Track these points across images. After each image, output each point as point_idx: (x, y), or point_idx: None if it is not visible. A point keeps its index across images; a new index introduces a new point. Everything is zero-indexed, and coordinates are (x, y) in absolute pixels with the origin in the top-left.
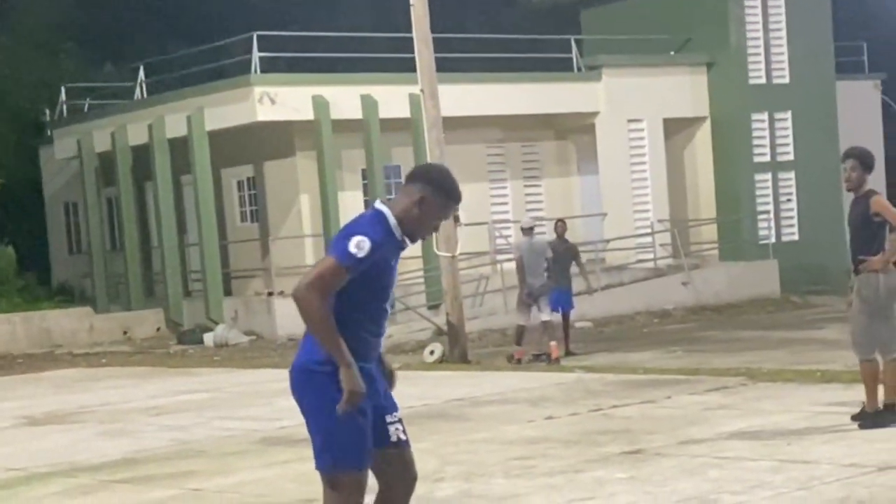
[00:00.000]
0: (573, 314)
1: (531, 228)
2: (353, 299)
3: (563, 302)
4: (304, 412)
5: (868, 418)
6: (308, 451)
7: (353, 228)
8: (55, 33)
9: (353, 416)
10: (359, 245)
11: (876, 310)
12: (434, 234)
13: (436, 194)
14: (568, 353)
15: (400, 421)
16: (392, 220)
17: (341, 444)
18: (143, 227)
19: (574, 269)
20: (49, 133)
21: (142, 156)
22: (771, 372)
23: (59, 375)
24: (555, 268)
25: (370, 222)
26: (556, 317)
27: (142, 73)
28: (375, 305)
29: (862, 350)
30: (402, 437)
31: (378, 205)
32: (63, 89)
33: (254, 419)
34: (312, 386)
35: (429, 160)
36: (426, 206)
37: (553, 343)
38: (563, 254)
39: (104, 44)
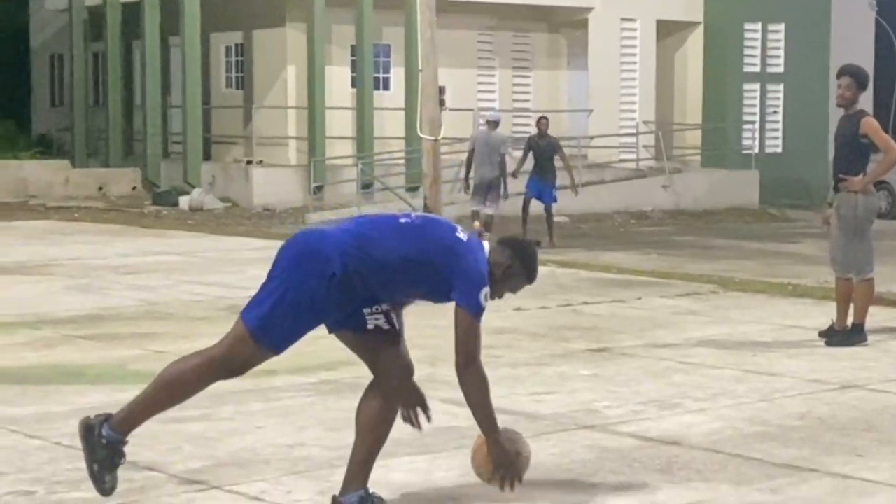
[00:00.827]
0: (555, 208)
1: (496, 122)
2: (398, 285)
3: (545, 195)
4: (274, 274)
5: (836, 336)
6: None
7: (480, 274)
8: None
9: (312, 313)
10: (487, 297)
11: (853, 229)
12: (418, 116)
13: (520, 270)
14: (552, 247)
15: (384, 313)
16: (487, 267)
17: (276, 321)
18: (128, 85)
19: (559, 164)
20: None
21: (132, 13)
22: (743, 282)
23: (31, 226)
24: (539, 162)
25: (484, 267)
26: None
27: None
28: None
29: (838, 268)
30: (384, 326)
31: (485, 245)
32: None
33: (222, 286)
34: (310, 267)
35: (420, 42)
36: (509, 274)
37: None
38: (545, 149)
39: None
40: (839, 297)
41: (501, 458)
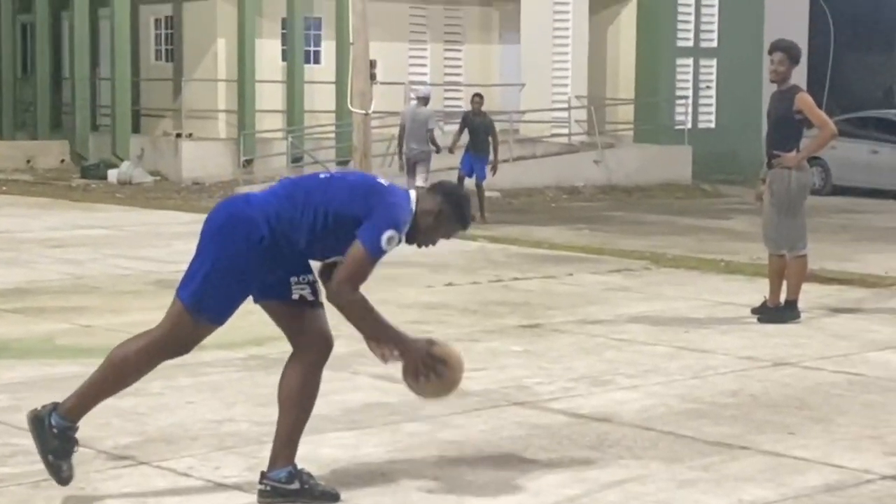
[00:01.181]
0: (485, 184)
1: (426, 98)
2: (326, 242)
3: (477, 170)
4: (202, 246)
5: (768, 313)
6: None
7: (394, 216)
8: None
9: (242, 283)
10: (390, 241)
11: (786, 206)
12: (349, 89)
13: (452, 214)
14: (483, 222)
15: (310, 283)
16: (412, 212)
17: (210, 293)
18: (56, 57)
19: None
20: None
21: None
22: (675, 258)
23: None
24: (473, 138)
25: (402, 212)
26: (469, 182)
27: None
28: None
29: (771, 244)
30: (309, 297)
31: (412, 194)
32: None
33: (151, 260)
34: (236, 237)
35: (351, 15)
36: (440, 220)
37: None
38: (479, 126)
39: None
40: (772, 273)
41: (417, 356)
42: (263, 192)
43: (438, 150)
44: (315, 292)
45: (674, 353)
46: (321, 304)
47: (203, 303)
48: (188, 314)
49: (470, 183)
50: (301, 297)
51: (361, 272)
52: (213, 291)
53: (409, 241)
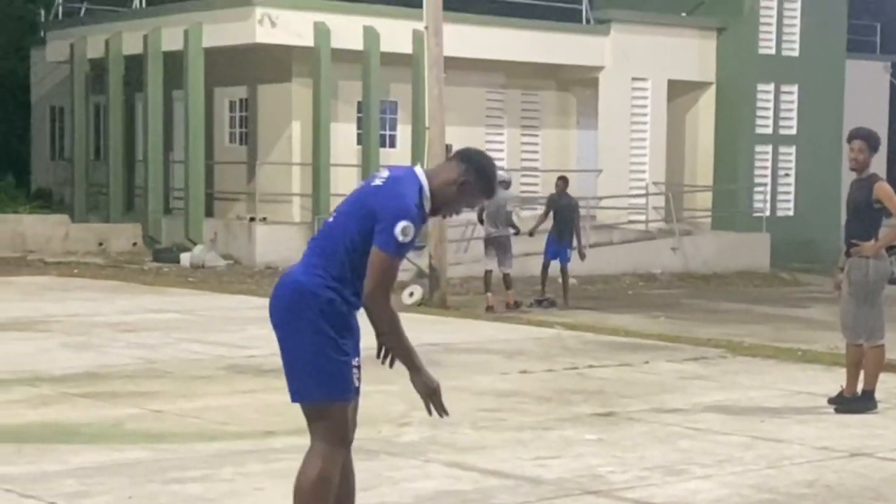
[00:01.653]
0: (570, 268)
1: (506, 182)
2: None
3: (561, 254)
4: (287, 336)
5: (845, 403)
6: (275, 382)
7: (398, 207)
8: None
9: (345, 348)
10: (404, 232)
11: (864, 295)
12: None
13: (477, 183)
14: (566, 307)
15: (359, 368)
16: (427, 192)
17: (329, 372)
18: (129, 139)
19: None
20: (42, 34)
21: (134, 66)
22: (752, 346)
23: (29, 282)
24: (557, 221)
25: (410, 195)
26: (496, 267)
27: None
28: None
29: (849, 333)
30: (358, 384)
31: (418, 170)
32: None
33: (223, 345)
34: (309, 309)
35: (427, 100)
36: (464, 190)
37: (509, 292)
38: (563, 208)
39: None
40: (849, 362)
41: (426, 388)
42: (300, 262)
43: (518, 232)
44: (360, 378)
45: (749, 442)
46: (358, 392)
47: (331, 389)
48: (329, 407)
49: (554, 267)
50: (356, 385)
51: (387, 275)
52: (332, 369)
53: (434, 213)
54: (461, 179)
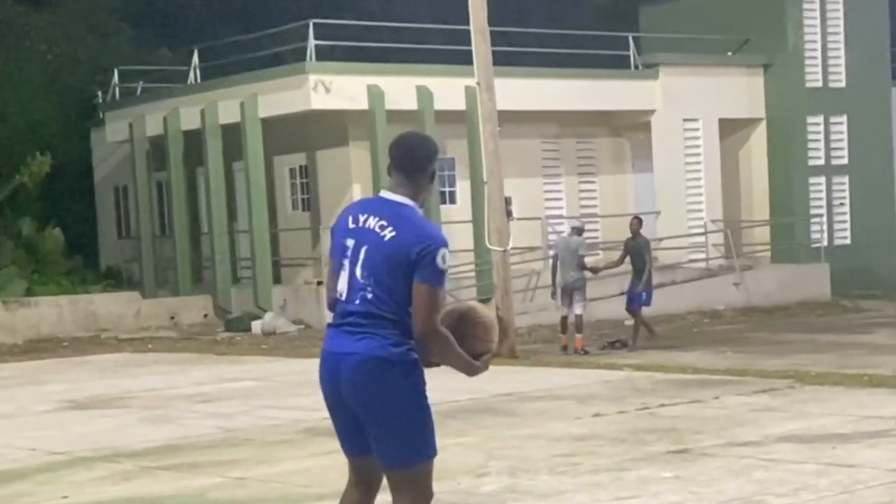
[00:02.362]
0: (645, 309)
1: (579, 229)
2: (407, 298)
3: (632, 297)
4: (381, 409)
5: None
6: None
7: (427, 238)
8: (110, 15)
9: (428, 404)
10: (444, 259)
11: None
12: (486, 227)
13: (435, 161)
14: (633, 349)
15: None
16: (420, 210)
17: (429, 435)
18: (193, 213)
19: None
20: (101, 115)
21: (193, 141)
22: (819, 375)
23: (104, 359)
24: (633, 263)
25: (426, 223)
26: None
27: (196, 58)
28: None
29: None
30: None
31: (405, 200)
32: (116, 71)
33: (299, 409)
34: (400, 378)
35: (483, 154)
36: (432, 178)
37: (578, 336)
38: (636, 250)
39: (159, 27)
40: None
41: (484, 370)
42: (346, 331)
43: (595, 272)
44: None
45: (822, 469)
46: None
47: (430, 447)
48: (428, 466)
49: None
50: None
51: (435, 305)
52: (429, 429)
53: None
54: (430, 175)
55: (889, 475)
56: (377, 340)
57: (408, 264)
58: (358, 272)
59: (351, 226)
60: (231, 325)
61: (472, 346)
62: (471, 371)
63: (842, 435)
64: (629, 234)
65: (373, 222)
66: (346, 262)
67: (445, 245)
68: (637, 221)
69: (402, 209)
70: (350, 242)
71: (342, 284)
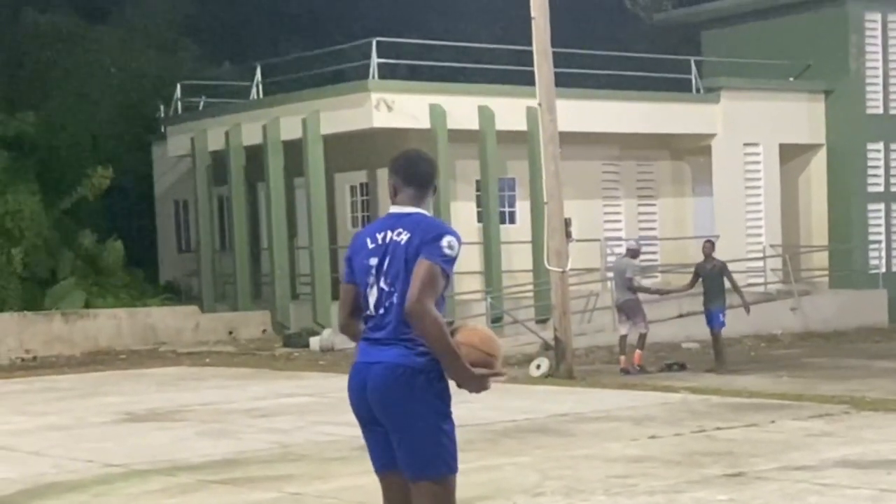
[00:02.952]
0: (724, 331)
1: (633, 251)
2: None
3: (709, 320)
4: (403, 415)
5: None
6: None
7: (438, 228)
8: (174, 30)
9: (450, 417)
10: (450, 245)
11: None
12: (545, 248)
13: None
14: (720, 372)
15: None
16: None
17: (452, 448)
18: (253, 228)
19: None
20: (163, 130)
21: (255, 156)
22: (875, 401)
23: (162, 373)
24: (705, 287)
25: (441, 222)
26: (633, 331)
27: (258, 74)
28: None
29: None
30: None
31: (423, 211)
32: (178, 86)
33: (355, 425)
34: (420, 388)
35: (544, 175)
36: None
37: (638, 351)
38: (710, 272)
39: (222, 42)
40: None
41: (477, 387)
42: (372, 341)
43: (649, 292)
44: None
45: (878, 495)
46: None
47: (454, 460)
48: (452, 479)
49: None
50: None
51: (432, 283)
52: (452, 441)
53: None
54: (433, 189)
55: None
56: (402, 349)
57: (412, 262)
58: (383, 283)
59: (370, 245)
60: (289, 340)
61: (467, 352)
62: (463, 374)
63: None
64: (702, 258)
65: (391, 235)
66: (372, 279)
67: (454, 235)
68: (709, 245)
69: (414, 216)
70: (374, 261)
71: (372, 300)
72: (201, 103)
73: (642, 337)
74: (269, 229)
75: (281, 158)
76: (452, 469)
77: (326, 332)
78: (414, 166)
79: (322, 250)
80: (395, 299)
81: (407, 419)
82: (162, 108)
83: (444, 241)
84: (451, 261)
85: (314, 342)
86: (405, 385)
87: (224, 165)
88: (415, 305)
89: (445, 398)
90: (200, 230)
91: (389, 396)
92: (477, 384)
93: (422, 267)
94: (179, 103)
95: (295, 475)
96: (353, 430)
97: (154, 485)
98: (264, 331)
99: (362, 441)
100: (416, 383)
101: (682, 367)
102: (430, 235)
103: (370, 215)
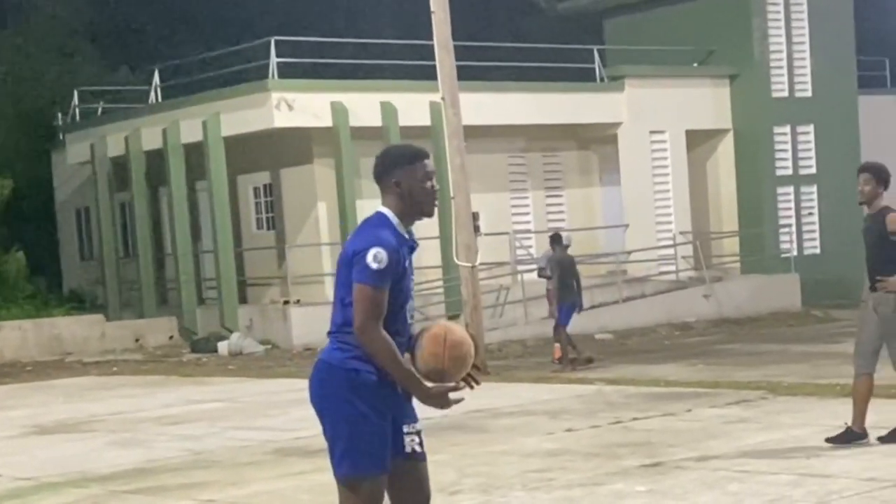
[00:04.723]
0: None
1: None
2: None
3: (567, 316)
4: (322, 413)
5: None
6: (324, 462)
7: (365, 239)
8: (70, 36)
9: (374, 419)
10: (376, 258)
11: (891, 328)
12: (454, 243)
13: (403, 167)
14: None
15: (418, 433)
16: (395, 220)
17: (362, 449)
18: (157, 234)
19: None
20: (62, 137)
21: (156, 161)
22: (791, 386)
23: (69, 383)
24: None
25: (376, 227)
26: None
27: (157, 77)
28: (395, 310)
29: (863, 363)
30: (418, 449)
31: (380, 208)
32: (76, 93)
33: (268, 429)
34: (338, 385)
35: (450, 170)
36: (405, 183)
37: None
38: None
39: (120, 47)
40: (862, 394)
41: (438, 403)
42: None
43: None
44: (422, 443)
45: (797, 480)
46: (425, 458)
47: (362, 463)
48: (359, 483)
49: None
50: (413, 450)
51: (369, 305)
52: (362, 442)
53: (423, 213)
54: (393, 182)
55: (863, 485)
56: (334, 347)
57: (348, 267)
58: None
59: None
60: (197, 346)
61: (417, 359)
62: (417, 390)
63: (815, 445)
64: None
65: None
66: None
67: (378, 245)
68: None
69: (366, 219)
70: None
71: None
72: (100, 109)
73: (555, 329)
74: (173, 234)
75: (182, 162)
76: (359, 470)
77: (235, 336)
78: (374, 166)
79: (227, 253)
80: (336, 303)
81: (324, 415)
82: (60, 115)
83: (369, 257)
84: (380, 273)
85: (223, 347)
86: (324, 381)
87: (125, 171)
88: (358, 335)
89: (368, 398)
90: (103, 237)
91: (312, 392)
92: (435, 402)
93: (356, 291)
94: (78, 110)
95: (208, 482)
96: (265, 435)
97: (65, 497)
98: (171, 337)
99: (276, 445)
100: (335, 380)
101: (590, 361)
102: (359, 249)
103: (275, 216)
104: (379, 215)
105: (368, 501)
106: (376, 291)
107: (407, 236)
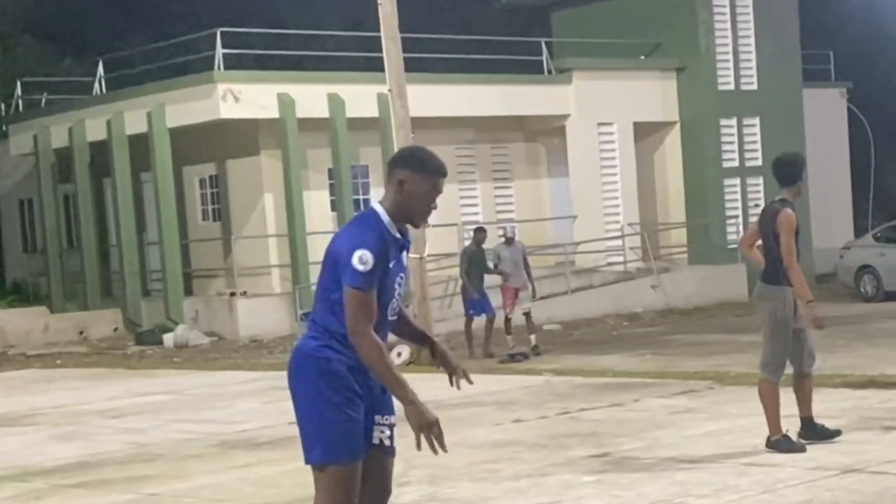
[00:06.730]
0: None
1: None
2: (332, 298)
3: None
4: (295, 401)
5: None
6: (269, 455)
7: (351, 241)
8: (12, 26)
9: (345, 407)
10: (362, 260)
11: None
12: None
13: (415, 172)
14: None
15: (391, 427)
16: (386, 218)
17: (331, 436)
18: (101, 225)
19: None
20: (4, 128)
21: (100, 152)
22: (738, 375)
23: (11, 376)
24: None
25: (364, 227)
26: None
27: (101, 68)
28: (378, 307)
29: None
30: (387, 442)
31: (374, 204)
32: (19, 83)
33: (213, 422)
34: (310, 373)
35: None
36: (408, 187)
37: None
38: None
39: (63, 37)
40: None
41: (420, 420)
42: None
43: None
44: (392, 437)
45: (743, 469)
46: (394, 453)
47: (335, 450)
48: (334, 470)
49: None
50: (380, 441)
51: (359, 308)
52: (336, 435)
53: (412, 222)
54: (397, 180)
55: (809, 474)
56: (311, 336)
57: (333, 265)
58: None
59: None
60: (142, 338)
61: None
62: (402, 398)
63: (761, 435)
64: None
65: None
66: None
67: (363, 247)
68: (482, 232)
69: (359, 215)
70: None
71: None
72: (43, 100)
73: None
74: (118, 226)
75: (127, 153)
76: (328, 457)
77: (181, 329)
78: (395, 154)
79: (172, 245)
80: (315, 299)
81: (295, 403)
82: (3, 106)
83: (355, 259)
84: (367, 275)
85: (168, 339)
86: (296, 368)
87: (69, 162)
88: (351, 337)
89: (338, 387)
90: (47, 229)
91: (288, 379)
92: (415, 416)
93: (346, 295)
94: (21, 101)
95: (152, 475)
96: (210, 428)
97: (6, 491)
98: (116, 329)
99: (220, 438)
100: (307, 368)
101: (525, 356)
102: (346, 250)
103: (220, 208)
104: (371, 213)
105: (341, 488)
106: (365, 294)
107: (399, 236)
